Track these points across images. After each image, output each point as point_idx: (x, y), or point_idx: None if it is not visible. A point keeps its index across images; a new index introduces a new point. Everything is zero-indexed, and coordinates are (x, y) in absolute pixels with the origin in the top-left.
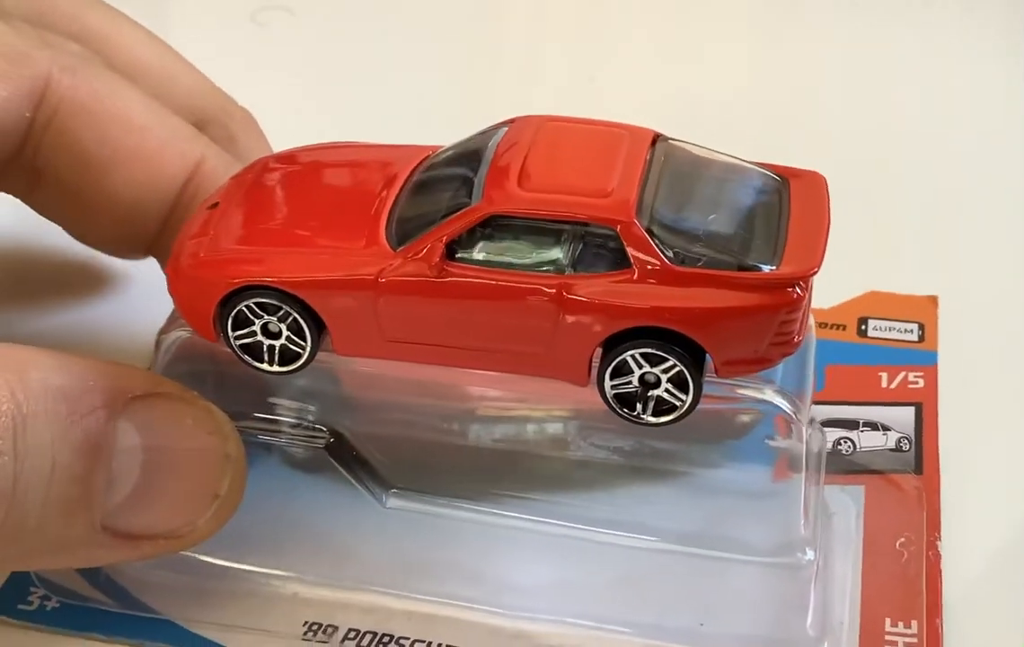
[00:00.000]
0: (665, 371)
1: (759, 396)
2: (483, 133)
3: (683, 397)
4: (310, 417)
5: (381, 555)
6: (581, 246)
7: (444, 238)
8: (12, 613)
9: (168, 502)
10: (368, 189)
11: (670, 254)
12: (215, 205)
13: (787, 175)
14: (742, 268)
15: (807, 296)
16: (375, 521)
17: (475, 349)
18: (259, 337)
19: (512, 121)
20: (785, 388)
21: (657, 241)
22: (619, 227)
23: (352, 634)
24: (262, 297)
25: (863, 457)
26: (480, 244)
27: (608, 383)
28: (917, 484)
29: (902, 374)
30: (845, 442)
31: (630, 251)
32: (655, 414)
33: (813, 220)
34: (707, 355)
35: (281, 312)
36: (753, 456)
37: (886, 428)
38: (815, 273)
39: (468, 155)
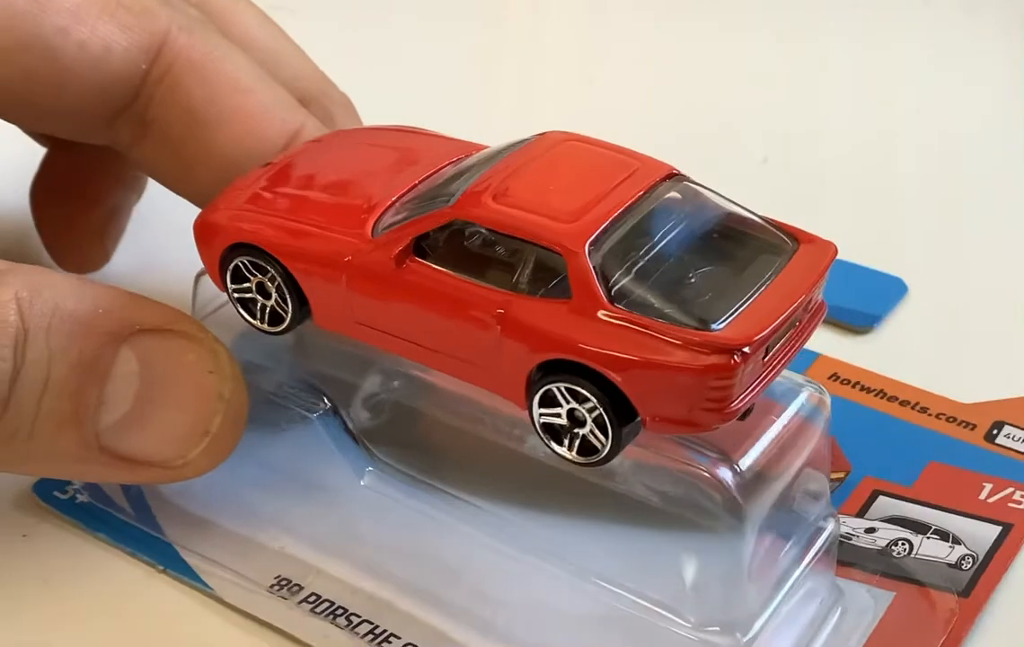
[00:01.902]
0: (590, 411)
1: (682, 460)
2: (512, 143)
3: (604, 441)
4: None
5: (363, 532)
6: (533, 268)
7: (411, 235)
8: (47, 498)
9: (159, 431)
10: (388, 180)
11: (611, 293)
12: (267, 165)
13: (800, 238)
14: (679, 323)
15: (749, 364)
16: (364, 497)
17: (428, 348)
18: (254, 294)
19: (542, 135)
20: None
21: (602, 277)
22: (566, 255)
23: (312, 598)
24: (254, 257)
25: (912, 564)
26: (445, 248)
27: (536, 411)
28: (954, 606)
29: (1008, 490)
30: (902, 544)
31: (571, 281)
32: (579, 453)
33: (790, 290)
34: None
35: (269, 274)
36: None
37: (956, 541)
38: (751, 343)
39: (481, 162)
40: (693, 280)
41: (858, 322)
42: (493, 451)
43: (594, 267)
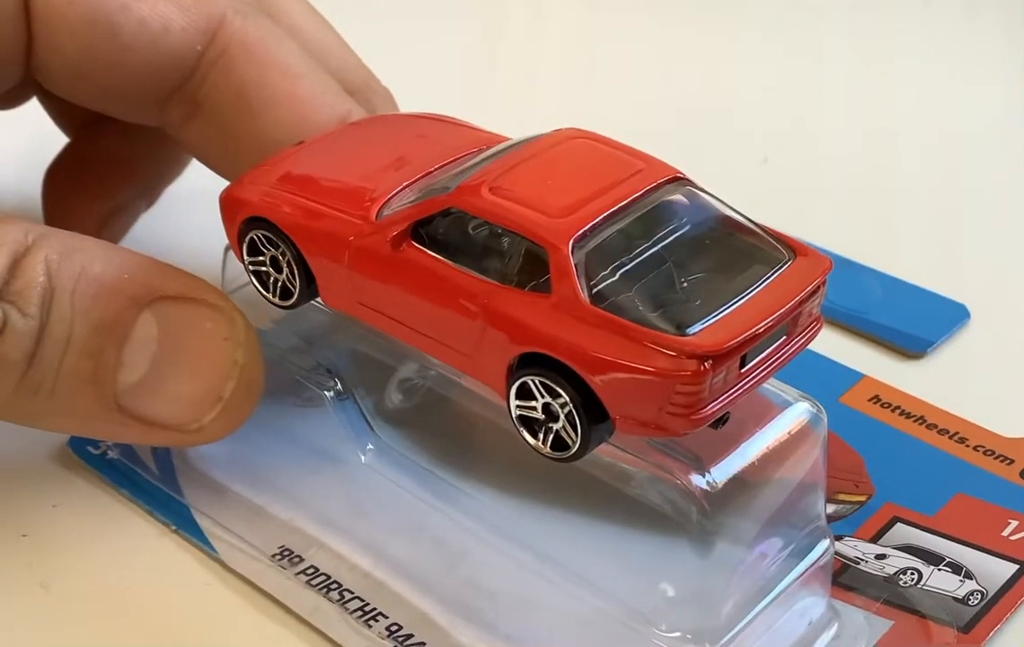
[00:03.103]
0: (562, 406)
1: (656, 464)
2: (528, 138)
3: (575, 437)
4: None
5: (368, 512)
6: (523, 261)
7: (409, 219)
8: (81, 452)
9: (174, 395)
10: (405, 166)
11: (591, 291)
12: (299, 143)
13: (797, 251)
14: (654, 326)
15: (720, 372)
16: (372, 478)
17: (419, 332)
18: (267, 268)
19: (557, 130)
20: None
21: (584, 275)
22: (549, 249)
23: (310, 570)
24: (268, 231)
25: (917, 594)
26: (441, 235)
27: (513, 402)
28: (951, 641)
29: None
30: (911, 573)
31: (552, 277)
32: (552, 448)
33: (773, 301)
34: None
35: (280, 249)
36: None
37: (968, 576)
38: (721, 351)
39: (493, 153)
40: (684, 285)
41: (910, 346)
42: (508, 446)
43: (576, 264)
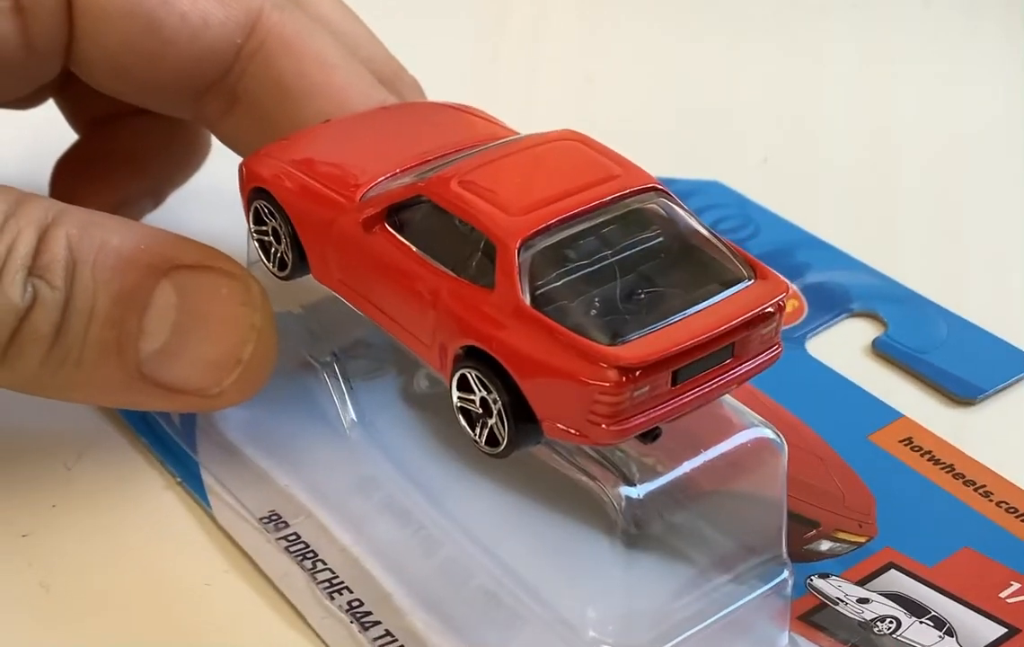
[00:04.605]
0: (494, 402)
1: (585, 472)
2: (523, 135)
3: (503, 435)
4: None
5: (361, 488)
6: (481, 255)
7: (384, 204)
8: None
9: (194, 360)
10: (408, 152)
11: (534, 293)
12: (326, 121)
13: (758, 272)
14: (587, 334)
15: (643, 385)
16: (370, 455)
17: (386, 314)
18: (269, 238)
19: (550, 131)
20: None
21: (528, 275)
22: (498, 245)
23: (292, 538)
24: (269, 203)
25: (890, 644)
26: (412, 222)
27: (455, 393)
28: None
29: None
30: (890, 622)
31: (497, 273)
32: (486, 442)
33: (714, 319)
34: None
35: (279, 221)
36: None
37: (949, 633)
38: (645, 364)
39: (483, 148)
40: (634, 297)
41: (961, 391)
42: None
43: (521, 264)
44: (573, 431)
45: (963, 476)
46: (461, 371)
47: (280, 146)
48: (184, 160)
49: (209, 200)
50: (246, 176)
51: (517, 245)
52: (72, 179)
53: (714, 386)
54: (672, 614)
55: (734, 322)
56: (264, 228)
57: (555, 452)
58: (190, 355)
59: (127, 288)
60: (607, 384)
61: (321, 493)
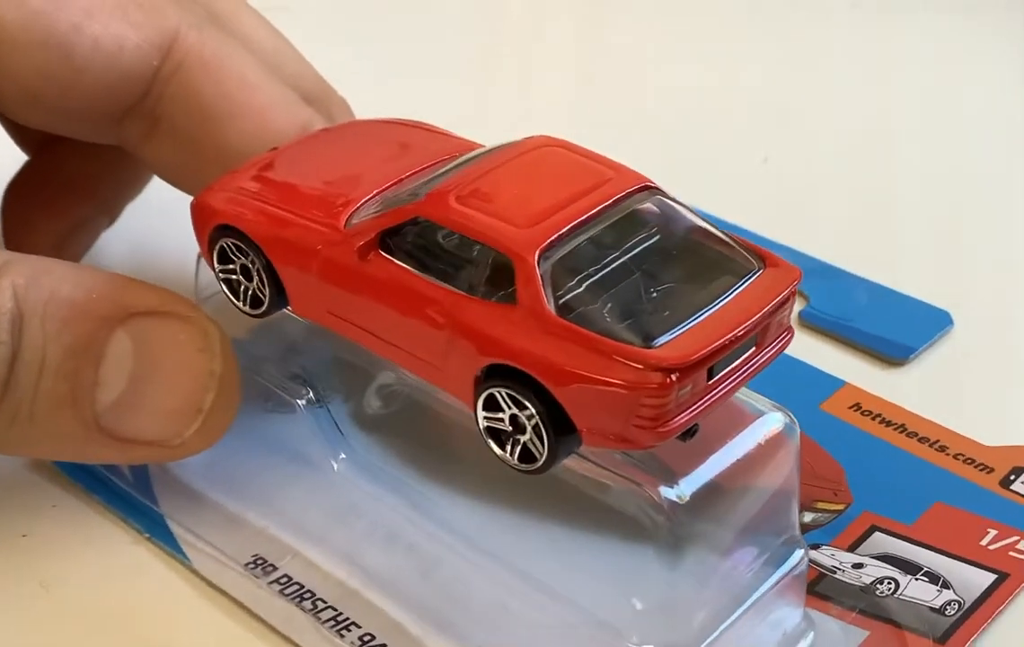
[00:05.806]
0: (529, 418)
1: (625, 476)
2: (499, 145)
3: (542, 450)
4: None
5: (343, 521)
6: (490, 272)
7: (377, 229)
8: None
9: (154, 410)
10: (376, 173)
11: (558, 302)
12: (273, 149)
13: (767, 261)
14: (621, 338)
15: (686, 384)
16: (346, 487)
17: (388, 342)
18: (238, 276)
19: (527, 138)
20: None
21: (550, 286)
22: (516, 260)
23: (283, 580)
24: (236, 240)
25: (894, 604)
26: (409, 244)
27: (480, 414)
28: None
29: (1012, 538)
30: (888, 583)
31: (518, 288)
32: (519, 459)
33: (741, 312)
34: None
35: (250, 258)
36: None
37: (945, 585)
38: (687, 364)
39: (464, 161)
40: (652, 296)
41: (892, 352)
42: (485, 455)
43: (542, 275)
44: (616, 437)
45: (916, 434)
46: (489, 391)
47: (231, 180)
48: (136, 175)
49: (163, 208)
50: (204, 214)
51: (535, 257)
52: (24, 203)
53: (741, 377)
54: (709, 606)
55: (762, 311)
56: (231, 266)
57: (586, 460)
58: (149, 406)
59: (80, 339)
60: (654, 387)
61: (302, 529)
